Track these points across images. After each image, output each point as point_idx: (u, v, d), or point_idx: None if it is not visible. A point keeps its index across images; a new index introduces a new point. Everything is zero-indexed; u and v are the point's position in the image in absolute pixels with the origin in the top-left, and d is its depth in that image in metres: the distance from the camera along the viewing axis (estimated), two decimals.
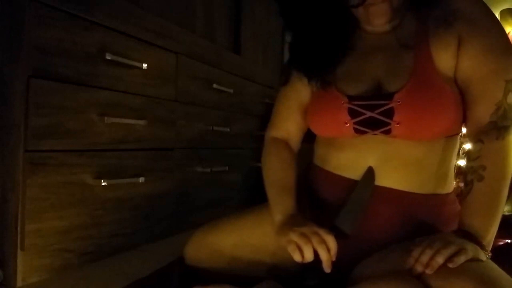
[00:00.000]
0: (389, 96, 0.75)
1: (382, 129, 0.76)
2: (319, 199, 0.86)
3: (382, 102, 0.75)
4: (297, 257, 0.68)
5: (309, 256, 0.68)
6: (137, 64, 1.20)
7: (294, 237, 0.70)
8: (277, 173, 0.88)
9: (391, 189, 0.77)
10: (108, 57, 1.09)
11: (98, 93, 1.09)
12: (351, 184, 0.80)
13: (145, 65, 1.23)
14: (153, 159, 1.30)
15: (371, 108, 0.76)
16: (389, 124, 0.75)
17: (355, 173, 0.80)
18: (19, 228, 0.91)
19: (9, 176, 0.92)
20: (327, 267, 0.68)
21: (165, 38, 1.34)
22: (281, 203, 0.82)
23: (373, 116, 0.76)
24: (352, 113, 0.78)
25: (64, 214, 1.00)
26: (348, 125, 0.79)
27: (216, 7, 1.75)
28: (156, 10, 1.33)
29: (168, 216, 1.38)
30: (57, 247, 0.99)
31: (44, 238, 0.95)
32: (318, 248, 0.68)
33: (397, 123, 0.74)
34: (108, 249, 1.14)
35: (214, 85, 1.61)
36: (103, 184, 1.08)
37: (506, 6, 2.16)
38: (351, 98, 0.79)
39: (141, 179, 1.22)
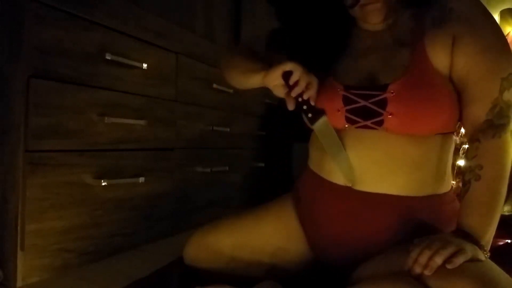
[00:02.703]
0: (383, 87, 0.76)
1: (374, 120, 0.76)
2: (315, 207, 0.86)
3: (376, 92, 0.76)
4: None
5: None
6: (137, 64, 1.20)
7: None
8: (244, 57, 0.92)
9: (390, 195, 0.76)
10: (108, 57, 1.09)
11: (98, 93, 1.09)
12: (345, 192, 0.79)
13: (145, 65, 1.23)
14: (153, 159, 1.30)
15: (365, 97, 0.77)
16: (381, 114, 0.75)
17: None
18: (19, 228, 0.91)
19: (9, 176, 0.93)
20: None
21: (165, 38, 1.34)
22: (258, 61, 0.87)
23: (366, 106, 0.76)
24: (346, 101, 0.79)
25: (64, 214, 1.00)
26: (339, 112, 0.79)
27: (216, 7, 1.75)
28: (156, 10, 1.33)
29: (168, 216, 1.38)
30: (57, 247, 0.99)
31: (44, 238, 0.95)
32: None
33: (390, 114, 0.74)
34: (108, 249, 1.14)
35: (214, 85, 1.61)
36: (103, 184, 1.08)
37: (506, 6, 2.16)
38: (347, 87, 0.79)
39: (141, 179, 1.22)
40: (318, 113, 0.81)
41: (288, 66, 0.77)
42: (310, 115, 0.81)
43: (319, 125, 0.81)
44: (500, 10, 2.17)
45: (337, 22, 0.84)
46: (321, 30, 0.84)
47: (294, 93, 0.79)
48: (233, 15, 1.89)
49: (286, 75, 0.78)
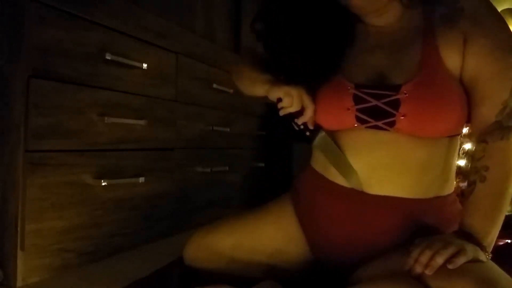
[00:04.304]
0: (396, 88, 0.74)
1: (386, 120, 0.74)
2: (315, 207, 0.86)
3: (389, 92, 0.74)
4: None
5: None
6: (137, 64, 1.20)
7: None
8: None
9: (395, 198, 0.76)
10: (108, 57, 1.09)
11: (98, 93, 1.09)
12: (348, 193, 0.79)
13: (145, 65, 1.23)
14: (153, 159, 1.30)
15: (377, 97, 0.75)
16: (394, 115, 0.73)
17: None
18: (19, 228, 0.91)
19: (9, 176, 0.92)
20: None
21: (165, 38, 1.34)
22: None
23: (378, 106, 0.75)
24: (357, 100, 0.77)
25: (64, 214, 1.00)
26: (349, 110, 0.77)
27: (216, 7, 1.75)
28: (156, 10, 1.33)
29: (168, 216, 1.38)
30: (57, 247, 0.99)
31: (44, 238, 0.95)
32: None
33: (402, 116, 0.73)
34: (108, 249, 1.14)
35: (214, 85, 1.61)
36: (103, 184, 1.08)
37: (506, 6, 2.16)
38: (357, 86, 0.78)
39: (141, 179, 1.22)
40: (315, 131, 0.85)
41: (281, 93, 0.82)
42: (308, 133, 0.85)
43: (318, 142, 0.84)
44: (500, 10, 2.17)
45: (337, 20, 0.82)
46: (322, 31, 0.82)
47: (281, 113, 0.85)
48: (233, 15, 1.89)
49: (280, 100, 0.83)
